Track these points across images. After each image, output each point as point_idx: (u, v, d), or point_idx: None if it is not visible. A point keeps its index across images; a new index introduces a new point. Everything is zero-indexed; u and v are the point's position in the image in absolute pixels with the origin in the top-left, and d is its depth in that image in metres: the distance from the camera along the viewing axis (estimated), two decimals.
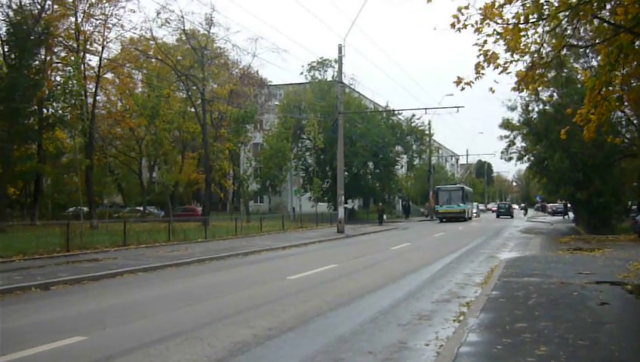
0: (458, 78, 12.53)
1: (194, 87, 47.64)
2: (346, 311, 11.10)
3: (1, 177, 35.98)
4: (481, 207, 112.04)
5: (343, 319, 10.39)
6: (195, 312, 10.99)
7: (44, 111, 39.48)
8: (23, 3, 39.37)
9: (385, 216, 55.86)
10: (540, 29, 12.55)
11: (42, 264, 18.08)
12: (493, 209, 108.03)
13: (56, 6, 42.35)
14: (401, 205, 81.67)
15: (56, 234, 23.29)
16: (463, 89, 12.53)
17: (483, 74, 12.25)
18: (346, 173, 52.01)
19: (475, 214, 77.36)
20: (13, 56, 34.86)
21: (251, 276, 17.08)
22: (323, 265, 18.87)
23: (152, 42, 49.28)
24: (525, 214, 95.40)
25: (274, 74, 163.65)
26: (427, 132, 74.76)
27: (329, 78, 65.10)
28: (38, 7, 39.88)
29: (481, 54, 12.06)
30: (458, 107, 40.52)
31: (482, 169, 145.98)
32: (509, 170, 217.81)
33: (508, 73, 12.53)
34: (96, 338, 8.84)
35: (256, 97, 61.71)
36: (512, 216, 79.17)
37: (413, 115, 71.62)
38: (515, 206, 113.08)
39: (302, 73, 68.99)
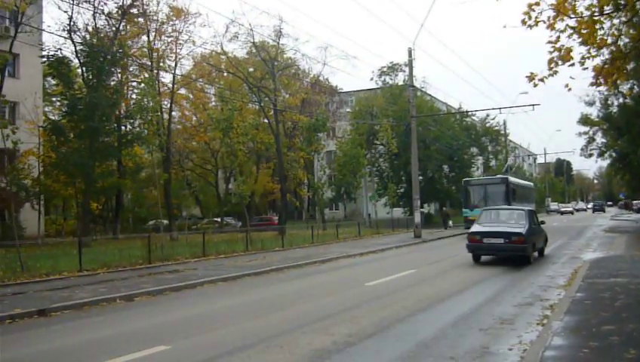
0: (531, 73, 12.23)
1: (266, 99, 48.22)
2: (425, 317, 10.98)
3: (84, 194, 37.17)
4: (560, 206, 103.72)
5: (423, 324, 10.29)
6: (274, 320, 11.06)
7: (122, 128, 40.61)
8: (98, 26, 40.70)
9: (451, 221, 53.78)
10: (616, 20, 12.19)
11: (125, 276, 18.54)
12: (564, 210, 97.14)
13: (129, 26, 43.61)
14: None
15: (137, 247, 23.89)
16: (536, 85, 12.22)
17: (556, 71, 11.93)
18: (421, 177, 51.48)
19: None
20: (91, 77, 36.00)
21: (329, 283, 17.10)
22: (401, 270, 18.74)
23: (222, 56, 50.17)
24: None
25: (344, 81, 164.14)
26: (502, 132, 73.58)
27: (400, 83, 64.77)
28: (113, 28, 41.13)
29: (554, 50, 11.76)
30: (534, 105, 39.23)
31: (561, 167, 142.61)
32: (590, 167, 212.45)
33: (585, 69, 12.19)
34: (179, 348, 9.00)
35: (327, 105, 62.07)
36: (604, 211, 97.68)
37: (488, 115, 70.66)
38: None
39: (372, 79, 68.99)
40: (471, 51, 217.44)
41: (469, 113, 65.59)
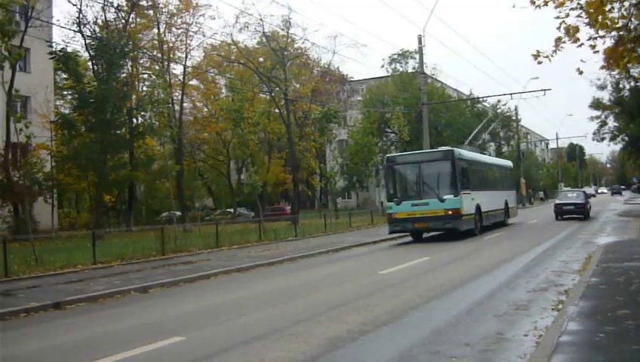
0: (537, 51, 12.10)
1: (277, 88, 48.19)
2: (439, 304, 10.95)
3: (97, 186, 37.31)
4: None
5: (437, 312, 10.26)
6: (289, 310, 11.08)
7: (134, 120, 40.68)
8: (108, 19, 40.75)
9: None
10: (626, 3, 12.05)
11: (139, 268, 18.65)
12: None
13: (139, 19, 43.65)
14: None
15: (151, 239, 23.97)
16: (540, 63, 12.09)
17: (562, 47, 11.78)
18: None
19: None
20: (101, 70, 36.08)
21: (342, 272, 17.12)
22: (414, 258, 18.70)
23: (233, 47, 50.17)
24: None
25: (355, 69, 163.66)
26: (514, 117, 73.17)
27: (410, 70, 64.65)
28: (123, 21, 41.17)
29: (561, 27, 11.61)
30: (545, 90, 39.04)
31: (574, 152, 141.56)
32: (602, 151, 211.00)
33: (596, 52, 12.07)
34: (194, 338, 9.03)
35: (338, 94, 61.98)
36: (621, 194, 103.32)
37: (499, 101, 70.21)
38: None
39: (382, 66, 68.99)
40: (481, 36, 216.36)
41: (480, 99, 65.28)
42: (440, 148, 30.41)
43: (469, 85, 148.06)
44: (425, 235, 27.45)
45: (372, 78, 69.60)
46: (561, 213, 36.31)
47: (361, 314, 10.10)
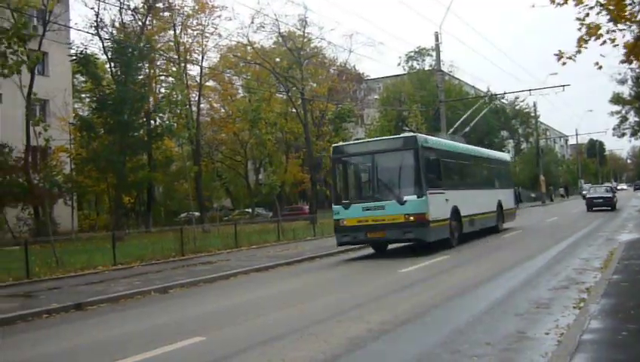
0: (559, 51, 12.03)
1: (293, 88, 48.21)
2: (460, 303, 10.90)
3: (116, 188, 37.57)
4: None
5: (458, 310, 10.20)
6: (308, 309, 11.06)
7: (152, 122, 40.90)
8: (125, 21, 41.02)
9: None
10: None
11: (159, 269, 18.74)
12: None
13: (155, 21, 43.93)
14: None
15: (170, 240, 24.10)
16: (564, 64, 12.02)
17: (586, 47, 11.71)
18: None
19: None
20: (119, 72, 36.34)
21: (362, 271, 17.08)
22: (434, 256, 18.59)
23: (249, 48, 50.29)
24: None
25: (371, 68, 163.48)
26: (533, 114, 72.68)
27: (427, 67, 64.44)
28: (140, 23, 41.42)
29: (582, 27, 11.53)
30: (564, 85, 38.78)
31: (594, 148, 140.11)
32: (623, 147, 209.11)
33: (615, 46, 11.96)
34: (214, 339, 9.05)
35: (355, 93, 61.91)
36: None
37: (517, 98, 69.74)
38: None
39: (399, 64, 68.70)
40: (499, 32, 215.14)
41: (498, 96, 64.91)
42: (401, 135, 25.13)
43: (487, 82, 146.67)
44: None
45: (389, 77, 69.48)
46: (592, 205, 42.51)
47: (381, 313, 10.06)
